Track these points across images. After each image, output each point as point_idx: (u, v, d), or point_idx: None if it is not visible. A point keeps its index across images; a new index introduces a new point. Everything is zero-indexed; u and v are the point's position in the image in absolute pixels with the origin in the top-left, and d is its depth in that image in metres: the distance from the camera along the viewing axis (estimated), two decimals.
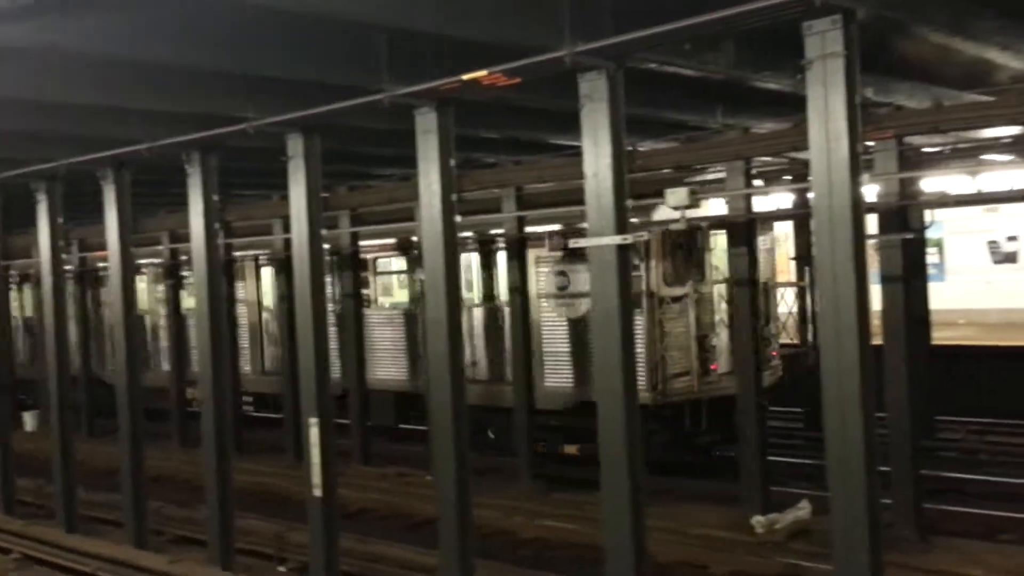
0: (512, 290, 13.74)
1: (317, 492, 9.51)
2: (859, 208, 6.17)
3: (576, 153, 11.63)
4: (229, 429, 11.23)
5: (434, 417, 8.73)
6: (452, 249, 8.58)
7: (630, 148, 10.28)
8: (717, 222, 12.31)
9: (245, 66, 8.12)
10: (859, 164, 6.15)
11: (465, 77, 7.61)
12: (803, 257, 14.49)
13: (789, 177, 13.85)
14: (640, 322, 11.97)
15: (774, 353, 13.67)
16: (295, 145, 9.51)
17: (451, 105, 8.40)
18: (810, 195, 6.79)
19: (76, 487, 12.64)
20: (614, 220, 7.26)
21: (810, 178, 6.31)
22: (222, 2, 6.70)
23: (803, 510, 11.13)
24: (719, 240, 12.68)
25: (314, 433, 9.45)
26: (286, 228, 15.01)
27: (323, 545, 9.57)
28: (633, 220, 7.79)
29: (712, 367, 12.77)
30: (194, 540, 11.96)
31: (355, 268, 15.79)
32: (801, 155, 11.47)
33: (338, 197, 15.17)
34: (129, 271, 11.86)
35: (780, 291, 14.14)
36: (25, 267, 19.48)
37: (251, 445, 17.00)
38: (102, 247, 13.60)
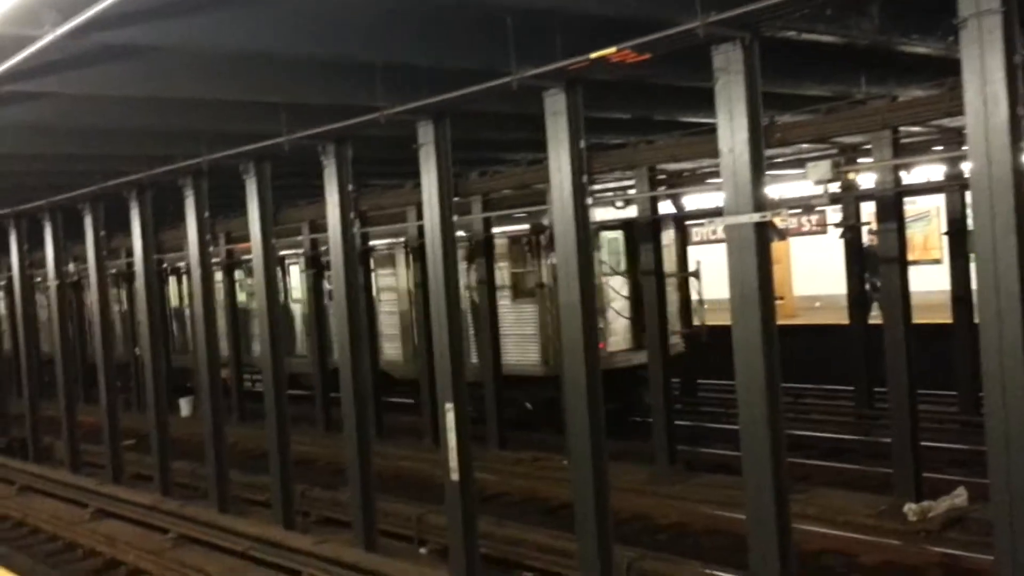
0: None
1: (454, 476, 9.58)
2: (1020, 176, 5.73)
3: (707, 130, 11.38)
4: (370, 414, 11.46)
5: (569, 401, 8.64)
6: (584, 231, 8.46)
7: (767, 121, 9.91)
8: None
9: (376, 55, 8.19)
10: (1020, 129, 5.71)
11: (593, 55, 7.47)
12: (957, 232, 13.82)
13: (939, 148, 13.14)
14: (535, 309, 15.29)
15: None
16: (426, 132, 9.58)
17: (579, 85, 8.28)
18: (965, 164, 6.36)
19: (228, 469, 13.15)
20: (752, 197, 6.99)
21: (965, 147, 5.90)
22: None
23: (959, 497, 10.57)
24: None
25: (450, 418, 9.52)
26: (419, 215, 15.29)
27: (461, 528, 9.65)
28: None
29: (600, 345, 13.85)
30: (338, 521, 12.30)
31: (488, 254, 15.87)
32: (950, 122, 10.88)
33: (469, 183, 15.27)
34: (271, 261, 12.22)
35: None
36: (175, 260, 20.42)
37: (391, 429, 17.35)
38: (246, 239, 14.06)
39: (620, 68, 7.74)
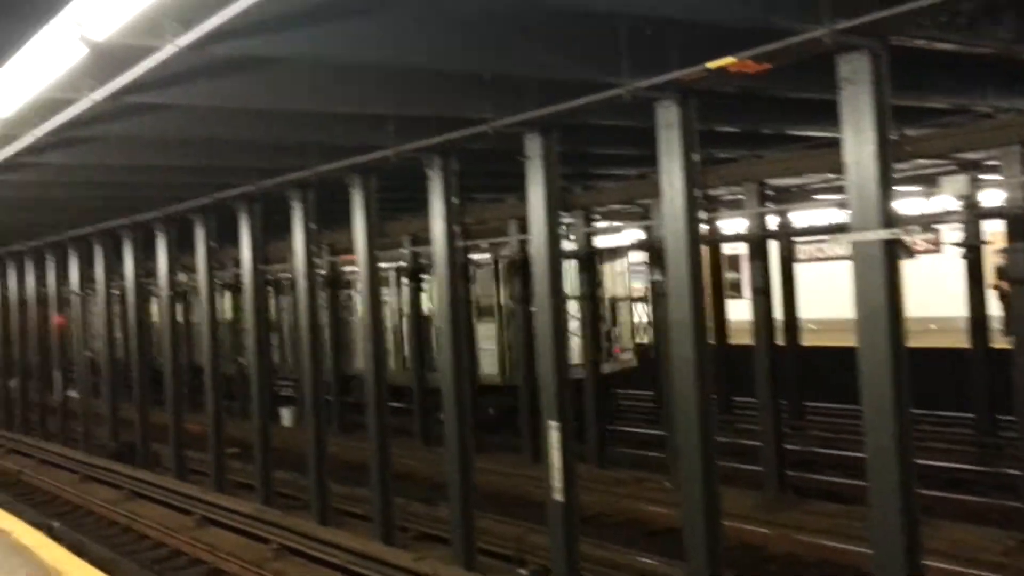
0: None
1: (557, 496, 9.37)
2: None
3: (824, 143, 10.93)
4: (470, 429, 11.35)
5: (679, 421, 8.35)
6: (695, 246, 8.18)
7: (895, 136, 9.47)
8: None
9: (484, 65, 8.07)
10: None
11: (711, 65, 7.20)
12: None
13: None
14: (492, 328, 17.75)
15: (617, 349, 18.49)
16: (533, 145, 9.43)
17: (694, 96, 8.02)
18: None
19: (327, 481, 13.18)
20: (880, 213, 6.62)
21: None
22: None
23: None
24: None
25: (554, 436, 9.32)
26: (521, 229, 15.17)
27: (564, 550, 9.42)
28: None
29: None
30: (437, 537, 12.19)
31: (591, 268, 15.68)
32: None
33: (573, 197, 15.10)
34: (375, 274, 12.24)
35: None
36: (279, 271, 20.74)
37: (490, 444, 17.23)
38: (349, 251, 14.14)
39: (738, 79, 7.45)
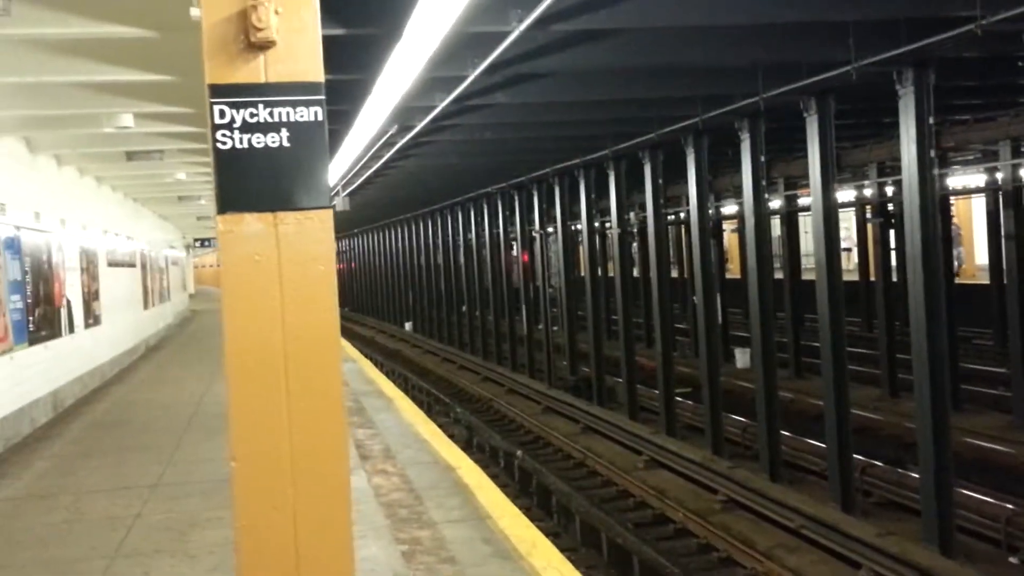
0: None
1: None
2: None
3: None
4: (946, 379, 9.73)
5: None
6: None
7: None
8: None
9: None
10: None
11: None
12: None
13: None
14: None
15: None
16: None
17: None
18: None
19: (779, 435, 12.22)
20: None
21: None
22: None
23: None
24: None
25: None
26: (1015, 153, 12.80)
27: None
28: None
29: None
30: (904, 507, 10.75)
31: None
32: None
33: None
34: (832, 209, 10.93)
35: None
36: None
37: (973, 400, 15.02)
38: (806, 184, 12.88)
39: None
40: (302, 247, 3.22)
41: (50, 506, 7.57)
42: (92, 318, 15.30)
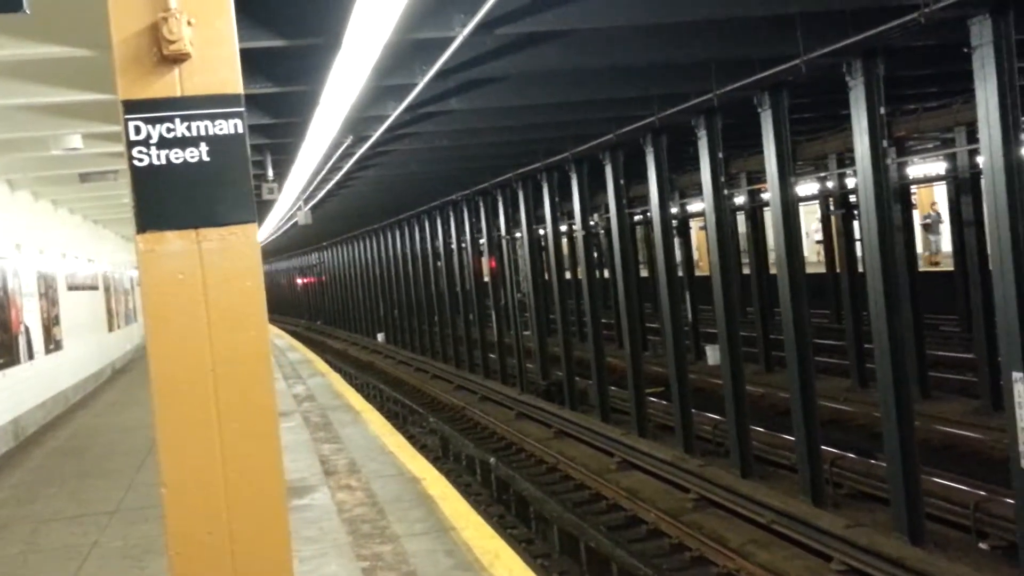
0: None
1: None
2: None
3: None
4: (908, 367, 9.76)
5: None
6: None
7: None
8: None
9: None
10: None
11: None
12: None
13: None
14: None
15: None
16: (982, 31, 7.58)
17: None
18: None
19: (749, 431, 12.21)
20: None
21: None
22: None
23: None
24: None
25: (1020, 391, 7.54)
26: (969, 138, 12.88)
27: None
28: None
29: None
30: (873, 496, 10.76)
31: None
32: None
33: None
34: (791, 203, 10.94)
35: None
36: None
37: (938, 386, 15.09)
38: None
39: None
40: (227, 264, 3.13)
41: (6, 538, 7.42)
42: (53, 343, 15.07)
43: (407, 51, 7.66)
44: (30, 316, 13.64)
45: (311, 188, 16.78)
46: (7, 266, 12.51)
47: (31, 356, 13.44)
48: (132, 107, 3.06)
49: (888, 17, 7.91)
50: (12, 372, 12.30)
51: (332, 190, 17.79)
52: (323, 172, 14.73)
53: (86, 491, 8.90)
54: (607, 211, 16.79)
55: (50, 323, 15.05)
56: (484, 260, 23.94)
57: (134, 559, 6.40)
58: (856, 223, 16.66)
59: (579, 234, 17.17)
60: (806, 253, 16.36)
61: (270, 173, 12.45)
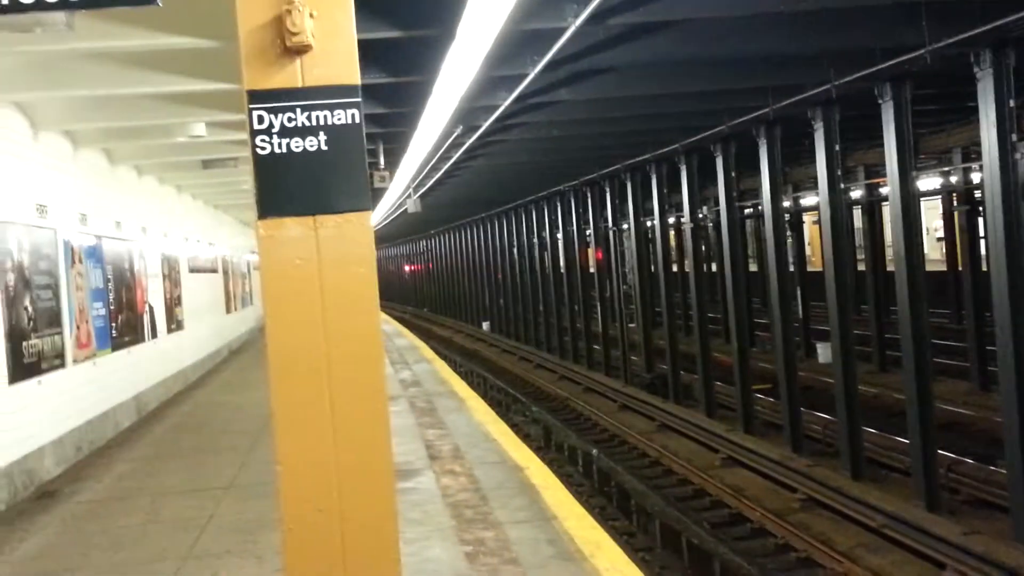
0: None
1: None
2: None
3: None
4: None
5: None
6: None
7: None
8: None
9: None
10: None
11: None
12: None
13: None
14: None
15: None
16: None
17: None
18: None
19: (861, 431, 11.88)
20: None
21: None
22: None
23: None
24: None
25: None
26: None
27: None
28: None
29: None
30: (994, 504, 10.35)
31: None
32: None
33: None
34: (911, 198, 10.58)
35: None
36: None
37: None
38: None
39: None
40: (343, 250, 3.21)
41: (128, 508, 7.77)
42: (175, 323, 15.70)
43: (519, 42, 7.68)
44: (154, 296, 14.23)
45: (421, 176, 17.02)
46: (134, 248, 13.07)
47: (155, 335, 14.02)
48: (256, 97, 3.15)
49: (1021, 7, 7.55)
50: (137, 350, 12.85)
51: (441, 179, 18.00)
52: (433, 161, 14.91)
53: (202, 466, 9.25)
54: (716, 204, 16.55)
55: (172, 304, 15.67)
56: (590, 251, 23.87)
57: (247, 532, 6.62)
58: (981, 220, 16.05)
59: (687, 227, 16.93)
60: (926, 250, 15.82)
61: (382, 162, 12.68)
